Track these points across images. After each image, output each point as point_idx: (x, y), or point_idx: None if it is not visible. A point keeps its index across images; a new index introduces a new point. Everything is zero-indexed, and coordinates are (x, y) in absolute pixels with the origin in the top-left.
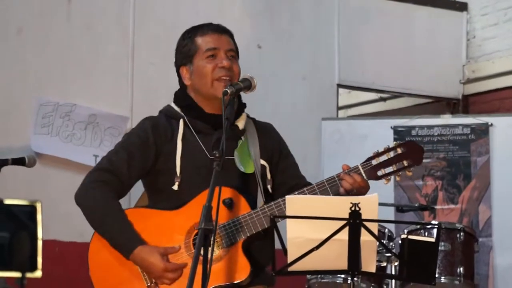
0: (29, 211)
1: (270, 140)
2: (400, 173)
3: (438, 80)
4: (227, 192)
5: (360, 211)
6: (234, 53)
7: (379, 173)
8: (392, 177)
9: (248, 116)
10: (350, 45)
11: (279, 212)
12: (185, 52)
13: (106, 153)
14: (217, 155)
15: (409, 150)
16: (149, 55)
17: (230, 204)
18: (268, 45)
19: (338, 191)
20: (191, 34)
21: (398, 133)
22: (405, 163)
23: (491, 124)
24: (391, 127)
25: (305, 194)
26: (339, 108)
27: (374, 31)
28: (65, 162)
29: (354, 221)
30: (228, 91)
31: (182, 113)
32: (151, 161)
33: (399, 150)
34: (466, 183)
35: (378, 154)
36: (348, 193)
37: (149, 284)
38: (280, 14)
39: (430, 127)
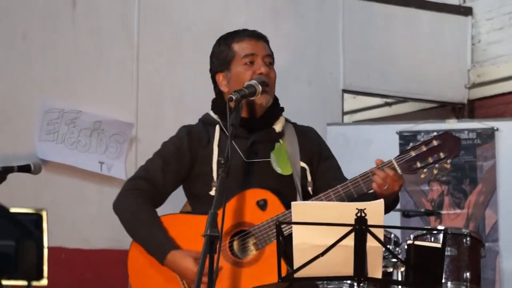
0: (35, 220)
1: (310, 143)
2: (436, 165)
3: (443, 84)
4: (261, 193)
5: (366, 217)
6: (271, 59)
7: (414, 166)
8: (429, 169)
9: (288, 121)
10: (355, 50)
11: None
12: (222, 59)
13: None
14: (222, 161)
15: (445, 141)
16: (154, 60)
17: (263, 206)
18: (273, 49)
19: (371, 186)
20: (227, 40)
21: (404, 138)
22: (442, 155)
23: (497, 129)
24: (397, 132)
25: (339, 192)
26: (344, 113)
27: (379, 36)
28: (71, 169)
29: (360, 227)
30: (233, 97)
31: (219, 119)
32: (186, 167)
33: (435, 143)
34: (472, 188)
35: (413, 148)
36: (381, 188)
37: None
38: (285, 18)
39: (435, 132)
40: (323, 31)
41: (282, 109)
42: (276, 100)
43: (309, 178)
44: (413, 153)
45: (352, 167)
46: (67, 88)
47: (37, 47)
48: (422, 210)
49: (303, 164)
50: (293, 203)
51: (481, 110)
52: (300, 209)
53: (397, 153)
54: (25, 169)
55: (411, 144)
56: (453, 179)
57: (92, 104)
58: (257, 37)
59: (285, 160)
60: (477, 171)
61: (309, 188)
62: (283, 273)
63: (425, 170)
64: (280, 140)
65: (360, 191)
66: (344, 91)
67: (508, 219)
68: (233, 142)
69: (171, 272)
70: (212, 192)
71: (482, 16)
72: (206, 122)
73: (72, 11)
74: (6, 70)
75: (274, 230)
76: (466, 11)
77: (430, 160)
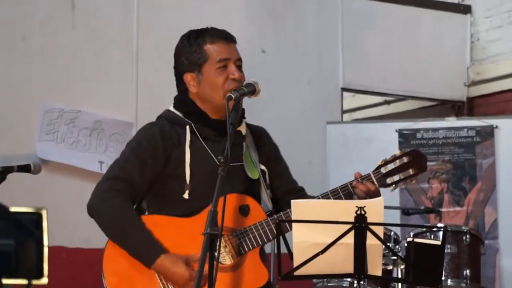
0: (35, 219)
1: (266, 145)
2: (407, 181)
3: (442, 82)
4: (244, 199)
5: (366, 215)
6: (240, 63)
7: (388, 181)
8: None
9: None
10: (354, 49)
11: None
12: (193, 59)
13: (114, 161)
14: (221, 160)
15: (413, 158)
16: (154, 61)
17: (246, 211)
18: (273, 49)
19: (352, 198)
20: (199, 40)
21: (403, 136)
22: (411, 171)
23: (496, 126)
24: (396, 130)
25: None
26: (343, 111)
27: (378, 34)
28: (71, 169)
29: (360, 225)
30: (233, 96)
31: (187, 120)
32: (161, 168)
33: (404, 159)
34: (471, 186)
35: (386, 162)
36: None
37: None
38: (285, 18)
39: (435, 129)
40: (322, 31)
41: (243, 111)
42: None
43: (268, 180)
44: (387, 168)
45: (351, 165)
46: (66, 89)
47: (37, 49)
48: (421, 207)
49: (263, 167)
50: (292, 201)
51: (481, 108)
52: (300, 207)
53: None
54: (25, 169)
55: (385, 158)
56: (452, 176)
57: (92, 104)
58: (230, 39)
59: (251, 164)
60: (476, 169)
61: (268, 191)
62: (266, 278)
63: (396, 185)
64: (244, 143)
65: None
66: (344, 89)
67: (507, 216)
68: (204, 145)
69: (150, 273)
70: (186, 195)
71: (481, 14)
72: (173, 121)
73: (72, 13)
74: (6, 71)
75: (257, 237)
76: (465, 10)
77: (401, 176)
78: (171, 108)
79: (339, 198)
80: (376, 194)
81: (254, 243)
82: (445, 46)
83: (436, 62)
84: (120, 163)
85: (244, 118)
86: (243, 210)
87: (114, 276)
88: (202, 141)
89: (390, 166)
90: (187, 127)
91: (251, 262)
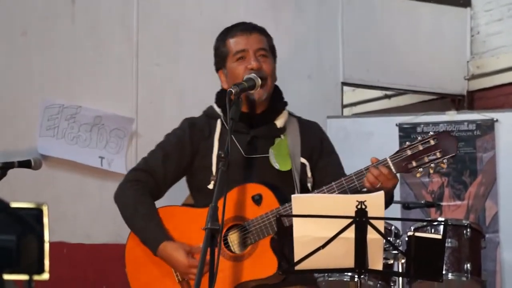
0: (36, 214)
1: (312, 139)
2: (432, 164)
3: (442, 76)
4: (257, 188)
5: (366, 209)
6: (264, 52)
7: (410, 165)
8: (424, 169)
9: (292, 115)
10: (354, 43)
11: None
12: (219, 56)
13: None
14: (222, 155)
15: (442, 140)
16: (154, 55)
17: (258, 200)
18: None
19: (358, 192)
20: (223, 36)
21: (404, 130)
22: (438, 154)
23: (497, 120)
24: (396, 124)
25: (333, 188)
26: (344, 106)
27: (378, 28)
28: (71, 164)
29: (361, 219)
30: (233, 91)
31: (221, 113)
32: (187, 159)
33: (431, 142)
34: (472, 179)
35: (409, 146)
36: (373, 185)
37: (180, 280)
38: (284, 12)
39: (435, 123)
40: (322, 24)
41: (285, 104)
42: (279, 94)
43: (309, 174)
44: (409, 152)
45: (352, 159)
46: (67, 84)
47: (37, 44)
48: (422, 202)
49: (303, 160)
50: (293, 196)
51: (481, 101)
52: (301, 202)
53: (397, 145)
54: (26, 164)
55: (407, 143)
56: (453, 170)
57: (92, 99)
58: (250, 30)
59: (284, 155)
60: (477, 163)
61: (309, 184)
62: (274, 268)
63: (420, 169)
64: (282, 136)
65: (354, 188)
66: (344, 84)
67: (508, 210)
68: (233, 137)
69: (167, 265)
70: (211, 186)
71: (481, 8)
72: (209, 115)
73: (72, 8)
74: (6, 66)
75: (268, 225)
76: (465, 3)
77: (426, 159)
78: (214, 104)
79: (353, 185)
80: (390, 179)
81: (261, 235)
82: (445, 39)
83: (436, 56)
84: (147, 156)
85: (284, 110)
86: (255, 200)
87: (133, 264)
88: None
89: (413, 150)
90: (219, 120)
91: (260, 252)
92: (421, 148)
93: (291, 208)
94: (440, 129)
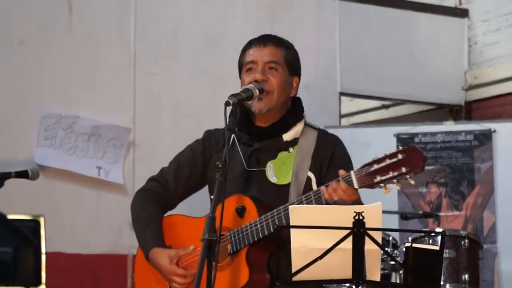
0: (33, 226)
1: (324, 152)
2: (397, 180)
3: (440, 86)
4: (242, 200)
5: (364, 220)
6: (274, 64)
7: (375, 179)
8: (392, 185)
9: (312, 127)
10: (352, 53)
11: (279, 220)
12: (238, 66)
13: None
14: (219, 165)
15: (409, 156)
16: (151, 65)
17: (241, 212)
18: None
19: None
20: (244, 47)
21: (401, 140)
22: (404, 169)
23: (494, 130)
24: (394, 135)
25: (301, 201)
26: (341, 116)
27: (375, 38)
28: (69, 174)
29: (358, 230)
30: (230, 101)
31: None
32: (199, 170)
33: (399, 156)
34: (470, 190)
35: (376, 161)
36: (331, 199)
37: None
38: (282, 22)
39: (433, 134)
40: (320, 35)
41: (299, 118)
42: (297, 108)
43: (314, 187)
44: (375, 166)
45: None
46: (64, 94)
47: (34, 54)
48: (420, 212)
49: (310, 174)
50: (290, 206)
51: (478, 111)
52: (298, 212)
53: None
54: (23, 175)
55: (374, 157)
56: (450, 181)
57: (90, 109)
58: (265, 42)
59: (286, 169)
60: (474, 173)
61: (301, 196)
62: (246, 278)
63: (387, 185)
64: (291, 149)
65: (320, 202)
66: (341, 94)
67: (506, 220)
68: (239, 148)
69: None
70: (212, 196)
71: (479, 18)
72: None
73: (69, 17)
74: (3, 76)
75: (245, 236)
76: (463, 13)
77: (391, 174)
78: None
79: (310, 202)
80: (350, 194)
81: (239, 246)
82: (443, 50)
83: (433, 66)
84: (164, 167)
85: (294, 125)
86: (238, 211)
87: (140, 269)
88: (238, 145)
89: (380, 164)
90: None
91: (236, 263)
92: (387, 162)
93: (267, 220)
94: (437, 139)
